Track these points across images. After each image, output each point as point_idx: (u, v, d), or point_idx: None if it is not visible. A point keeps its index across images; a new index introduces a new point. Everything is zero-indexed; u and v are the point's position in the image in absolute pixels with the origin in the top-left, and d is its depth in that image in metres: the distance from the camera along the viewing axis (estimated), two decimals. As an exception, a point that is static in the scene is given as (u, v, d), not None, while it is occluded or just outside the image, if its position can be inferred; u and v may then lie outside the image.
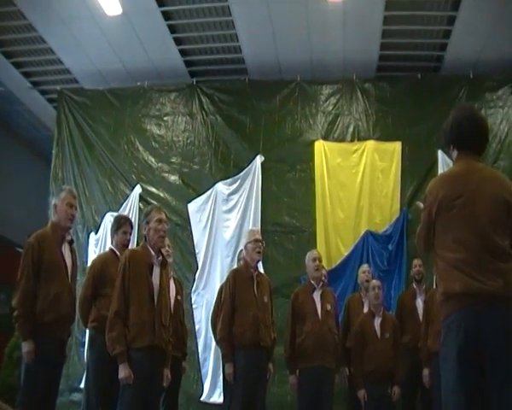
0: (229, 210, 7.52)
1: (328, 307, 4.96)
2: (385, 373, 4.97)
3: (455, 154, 2.81)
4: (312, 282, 5.04)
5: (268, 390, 4.83)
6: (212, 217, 7.47)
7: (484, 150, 2.81)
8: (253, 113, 7.80)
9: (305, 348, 4.77)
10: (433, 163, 7.50)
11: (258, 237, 4.86)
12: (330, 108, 7.79)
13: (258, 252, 4.77)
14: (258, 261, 4.83)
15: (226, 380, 4.79)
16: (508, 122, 7.76)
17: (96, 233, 7.69)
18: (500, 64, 7.71)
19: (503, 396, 2.38)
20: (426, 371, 5.10)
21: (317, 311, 4.89)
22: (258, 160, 7.55)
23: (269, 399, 4.87)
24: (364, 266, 6.24)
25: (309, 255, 5.24)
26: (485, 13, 6.85)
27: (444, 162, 7.41)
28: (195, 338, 6.84)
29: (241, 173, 7.56)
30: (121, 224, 4.57)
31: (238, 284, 4.70)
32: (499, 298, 2.44)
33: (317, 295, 4.96)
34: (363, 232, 7.30)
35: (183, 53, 7.92)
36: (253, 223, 7.31)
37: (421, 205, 3.09)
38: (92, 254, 7.40)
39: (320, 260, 5.17)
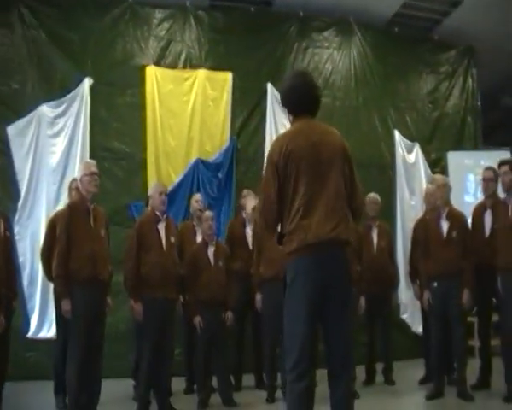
0: (55, 135, 7.05)
1: (172, 239, 5.04)
2: (218, 300, 5.23)
3: (291, 116, 3.02)
4: (157, 213, 5.05)
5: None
6: (36, 142, 6.94)
7: (317, 113, 3.01)
8: (81, 31, 7.24)
9: (148, 278, 4.81)
10: (263, 94, 7.82)
11: (94, 169, 4.71)
12: (163, 32, 7.58)
13: (95, 185, 4.66)
14: (93, 194, 4.70)
15: (60, 316, 4.71)
16: (332, 62, 8.35)
17: None
18: (327, 6, 8.13)
19: (340, 325, 2.77)
20: (258, 297, 5.52)
21: (161, 242, 4.95)
22: (87, 82, 7.11)
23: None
24: (197, 196, 6.39)
25: (156, 188, 5.19)
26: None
27: (272, 94, 7.77)
28: (19, 271, 6.45)
29: (68, 96, 7.07)
30: None
31: (74, 219, 4.57)
32: (341, 244, 2.77)
33: (161, 227, 4.99)
34: (193, 160, 7.41)
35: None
36: (82, 148, 7.00)
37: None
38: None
39: (166, 194, 5.18)
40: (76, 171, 6.61)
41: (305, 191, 2.76)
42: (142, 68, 7.39)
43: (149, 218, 5.06)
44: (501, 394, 5.03)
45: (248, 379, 6.15)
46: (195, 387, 5.58)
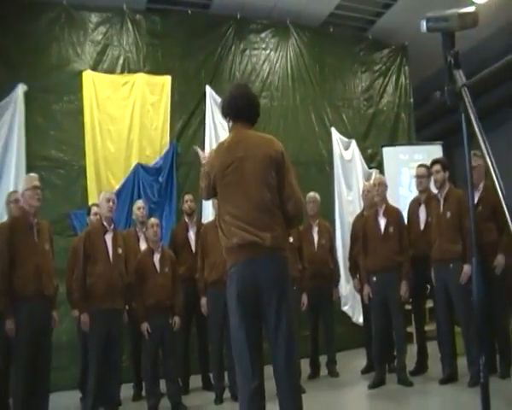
0: (-12, 143, 6.83)
1: (120, 250, 5.04)
2: (165, 305, 5.27)
3: (230, 124, 3.19)
4: (105, 223, 5.03)
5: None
6: (-31, 149, 6.73)
7: (255, 122, 3.21)
8: (15, 36, 7.02)
9: (95, 290, 4.83)
10: (202, 97, 7.87)
11: (37, 183, 4.69)
12: (99, 37, 7.48)
13: (38, 199, 4.63)
14: (36, 208, 4.65)
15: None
16: (269, 63, 8.49)
17: None
18: (264, 8, 8.26)
19: (279, 324, 2.89)
20: (203, 301, 5.60)
21: (108, 254, 4.95)
22: (20, 88, 6.90)
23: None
24: (139, 203, 6.38)
25: (103, 196, 5.22)
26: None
27: (211, 97, 7.83)
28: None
29: (1, 103, 6.86)
30: None
31: (16, 234, 4.52)
32: (268, 249, 2.90)
33: (108, 238, 4.99)
34: (133, 165, 7.37)
35: None
36: (17, 158, 6.78)
37: (199, 150, 3.61)
38: None
39: (114, 202, 5.17)
40: (12, 181, 6.48)
41: (231, 205, 2.97)
42: (79, 74, 7.29)
43: (96, 229, 5.06)
44: (437, 377, 5.33)
45: (195, 380, 6.20)
46: (144, 393, 5.58)
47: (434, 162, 5.66)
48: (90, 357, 4.86)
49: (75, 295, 5.00)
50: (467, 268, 5.09)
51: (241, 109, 3.12)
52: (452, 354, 5.36)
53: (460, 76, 1.81)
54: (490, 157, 1.91)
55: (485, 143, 1.90)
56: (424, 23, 1.82)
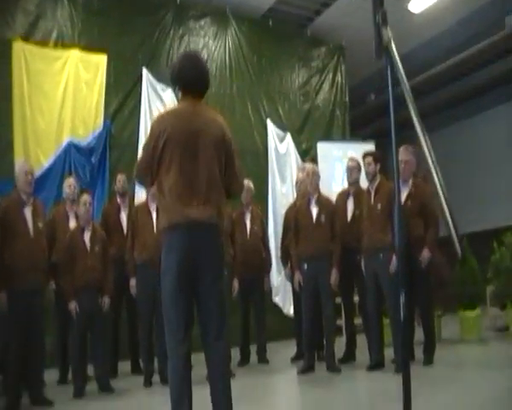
0: None
1: (40, 224, 4.80)
2: (95, 285, 5.11)
3: (180, 94, 3.09)
4: (23, 196, 4.78)
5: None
6: None
7: (204, 94, 3.13)
8: None
9: (14, 267, 4.54)
10: (138, 79, 7.72)
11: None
12: (31, 7, 7.17)
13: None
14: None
15: None
16: (207, 50, 8.51)
17: None
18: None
19: (211, 300, 2.90)
20: (132, 282, 5.47)
21: (28, 228, 4.69)
22: None
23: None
24: (70, 180, 6.13)
25: (21, 167, 4.92)
26: None
27: (148, 80, 7.71)
28: None
29: None
30: None
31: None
32: (209, 225, 2.89)
33: (28, 211, 4.73)
34: (65, 143, 7.12)
35: None
36: None
37: None
38: None
39: (32, 175, 4.93)
40: None
41: (177, 174, 2.87)
42: (9, 43, 6.94)
43: (14, 202, 4.75)
44: (365, 365, 5.43)
45: (124, 366, 6.07)
46: (70, 377, 5.35)
47: (366, 155, 5.76)
48: (10, 337, 4.56)
49: None
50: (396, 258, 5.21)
51: (191, 80, 3.04)
52: (380, 341, 5.47)
53: (387, 33, 1.86)
54: (420, 125, 1.96)
55: (415, 110, 1.95)
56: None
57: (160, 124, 2.95)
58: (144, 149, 3.00)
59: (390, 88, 1.97)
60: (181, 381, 2.80)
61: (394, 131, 2.09)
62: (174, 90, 3.16)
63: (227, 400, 2.86)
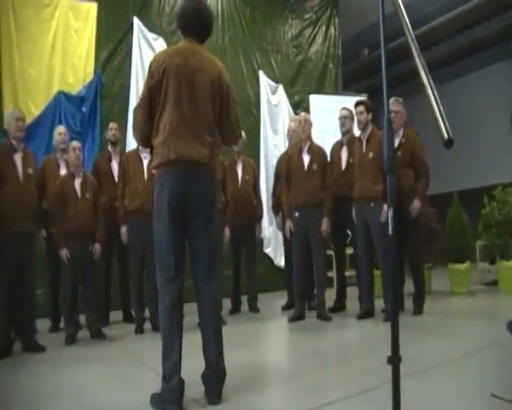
0: None
1: (30, 170, 4.77)
2: (86, 232, 5.13)
3: (182, 37, 3.12)
4: (14, 142, 4.73)
5: None
6: None
7: (206, 38, 3.15)
8: None
9: (4, 212, 4.51)
10: (129, 28, 7.59)
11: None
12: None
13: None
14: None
15: None
16: None
17: None
18: None
19: (203, 240, 2.94)
20: (123, 229, 5.48)
21: (18, 174, 4.66)
22: None
23: None
24: (60, 128, 6.09)
25: (12, 114, 4.86)
26: None
27: (139, 29, 7.58)
28: None
29: None
30: None
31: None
32: (203, 165, 2.90)
33: (18, 158, 4.70)
34: (55, 92, 7.02)
35: None
36: None
37: None
38: None
39: (24, 121, 4.88)
40: None
41: (173, 110, 2.88)
42: (-6, -11, 6.77)
43: (4, 148, 4.71)
44: (355, 314, 5.54)
45: (115, 315, 6.14)
46: (62, 325, 5.40)
47: (358, 104, 5.74)
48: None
49: None
50: (387, 207, 5.23)
51: (191, 24, 3.06)
52: (370, 291, 5.56)
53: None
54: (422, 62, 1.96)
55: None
56: None
57: (157, 61, 2.96)
58: (140, 100, 3.00)
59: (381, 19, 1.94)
60: (171, 322, 2.84)
61: (385, 70, 2.08)
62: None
63: (218, 344, 2.91)
